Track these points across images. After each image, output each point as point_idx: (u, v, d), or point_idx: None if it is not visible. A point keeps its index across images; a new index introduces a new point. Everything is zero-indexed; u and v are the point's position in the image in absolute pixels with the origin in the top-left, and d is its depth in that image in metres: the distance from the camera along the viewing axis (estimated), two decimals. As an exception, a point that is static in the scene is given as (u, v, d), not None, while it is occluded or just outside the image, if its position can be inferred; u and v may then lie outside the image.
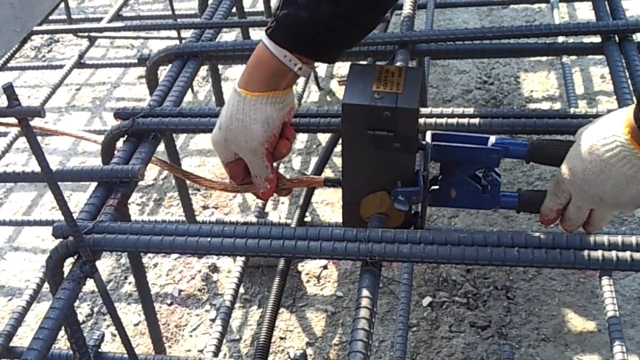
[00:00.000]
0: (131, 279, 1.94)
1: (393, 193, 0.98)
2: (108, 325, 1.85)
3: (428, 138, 1.00)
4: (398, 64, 1.37)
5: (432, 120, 1.18)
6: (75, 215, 0.96)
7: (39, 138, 0.82)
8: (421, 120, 1.18)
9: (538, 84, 2.49)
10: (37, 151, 0.82)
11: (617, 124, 0.85)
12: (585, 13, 2.79)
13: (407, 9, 1.59)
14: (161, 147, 1.39)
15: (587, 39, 1.54)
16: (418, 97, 0.93)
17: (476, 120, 1.17)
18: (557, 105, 2.39)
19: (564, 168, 0.90)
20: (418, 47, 1.46)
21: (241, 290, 1.86)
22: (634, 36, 1.38)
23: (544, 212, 0.97)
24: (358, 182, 1.00)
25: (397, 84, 0.94)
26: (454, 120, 1.18)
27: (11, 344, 1.40)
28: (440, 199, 1.03)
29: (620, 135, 0.84)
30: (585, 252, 0.89)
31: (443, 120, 1.18)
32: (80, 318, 1.85)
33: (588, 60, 2.56)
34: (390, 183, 0.99)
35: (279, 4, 0.93)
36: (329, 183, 1.07)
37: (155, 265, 2.00)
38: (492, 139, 0.99)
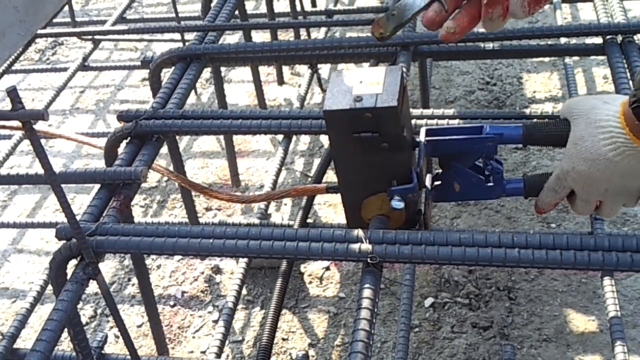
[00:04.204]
0: (134, 280, 1.95)
1: (389, 192, 0.98)
2: (111, 327, 1.85)
3: (422, 134, 1.00)
4: (399, 65, 1.37)
5: (434, 121, 1.19)
6: (78, 217, 0.97)
7: (42, 141, 0.82)
8: (423, 122, 1.19)
9: (541, 85, 2.49)
10: (41, 154, 0.83)
11: (612, 118, 0.87)
12: (588, 13, 2.79)
13: (408, 10, 1.59)
14: (164, 149, 1.39)
15: (589, 40, 1.54)
16: (398, 94, 0.92)
17: (478, 122, 1.17)
18: (560, 106, 2.38)
19: (567, 166, 0.91)
20: (420, 49, 1.46)
21: (244, 291, 1.86)
22: (635, 37, 1.38)
23: (541, 206, 0.98)
24: (354, 186, 1.00)
25: (377, 84, 0.94)
26: (456, 122, 1.18)
27: (15, 346, 1.40)
28: (445, 194, 1.03)
29: (620, 134, 0.85)
30: (586, 253, 0.89)
31: (445, 122, 1.19)
32: (84, 320, 1.86)
33: (590, 60, 2.55)
34: (387, 184, 0.98)
35: None
36: (331, 190, 1.07)
37: (158, 267, 2.01)
38: (486, 127, 1.00)
